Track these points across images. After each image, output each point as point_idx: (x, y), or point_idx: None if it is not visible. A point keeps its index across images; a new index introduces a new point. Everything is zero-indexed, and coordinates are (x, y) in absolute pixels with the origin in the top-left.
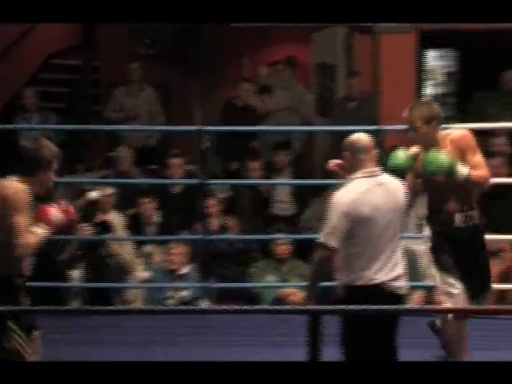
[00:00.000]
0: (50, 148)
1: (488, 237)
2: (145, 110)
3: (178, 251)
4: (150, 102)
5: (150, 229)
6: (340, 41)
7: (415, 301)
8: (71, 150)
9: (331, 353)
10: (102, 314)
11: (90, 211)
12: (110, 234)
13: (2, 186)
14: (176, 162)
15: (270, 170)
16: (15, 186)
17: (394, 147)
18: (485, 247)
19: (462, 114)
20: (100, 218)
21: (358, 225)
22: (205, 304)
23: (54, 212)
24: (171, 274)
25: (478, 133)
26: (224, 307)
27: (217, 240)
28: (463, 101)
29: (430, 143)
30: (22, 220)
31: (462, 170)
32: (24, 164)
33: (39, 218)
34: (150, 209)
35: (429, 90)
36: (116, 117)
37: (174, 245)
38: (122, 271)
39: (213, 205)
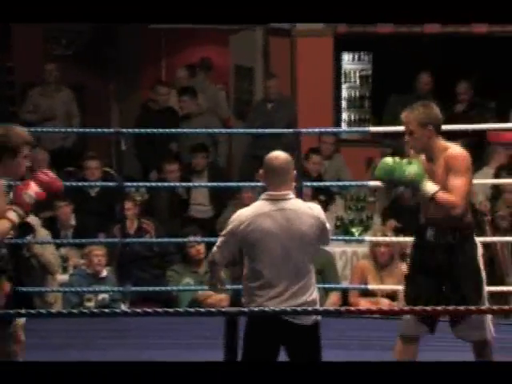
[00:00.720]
0: (18, 134)
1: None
2: (61, 111)
3: (99, 254)
4: (67, 103)
5: (66, 232)
6: (257, 43)
7: (331, 302)
8: None
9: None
10: (19, 317)
11: None
12: (32, 236)
13: None
14: (93, 164)
15: (189, 173)
16: None
17: (311, 150)
18: (464, 271)
19: (377, 117)
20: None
21: (249, 248)
22: (123, 307)
23: (28, 190)
24: (91, 277)
25: (391, 135)
26: (143, 310)
27: (134, 243)
28: (378, 103)
29: (424, 149)
30: None
31: (429, 187)
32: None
33: (15, 201)
34: (66, 211)
35: (345, 92)
36: (31, 118)
37: (94, 247)
38: (44, 272)
39: (130, 207)
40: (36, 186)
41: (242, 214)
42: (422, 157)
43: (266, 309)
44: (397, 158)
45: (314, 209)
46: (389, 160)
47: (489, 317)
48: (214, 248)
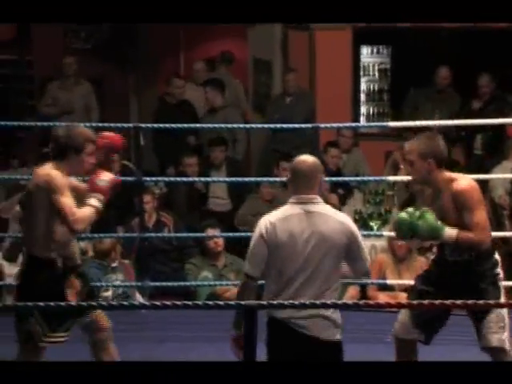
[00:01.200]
0: (81, 133)
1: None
2: (80, 104)
3: (110, 245)
4: (86, 96)
5: None
6: (276, 37)
7: (350, 296)
8: (5, 146)
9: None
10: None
11: None
12: None
13: (36, 175)
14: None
15: (207, 166)
16: (47, 172)
17: (329, 144)
18: (480, 293)
19: (396, 111)
20: None
21: (274, 251)
22: (141, 300)
23: (100, 177)
24: (104, 268)
25: (411, 129)
26: (161, 303)
27: (152, 237)
28: (397, 97)
29: (424, 182)
30: (65, 200)
31: (448, 233)
32: (56, 150)
33: (91, 189)
34: None
35: (363, 86)
36: (50, 112)
37: (106, 239)
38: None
39: (149, 201)
40: (107, 173)
41: (269, 218)
42: (429, 190)
43: (285, 303)
44: (411, 211)
45: (342, 216)
46: (403, 217)
47: (507, 326)
48: (245, 263)
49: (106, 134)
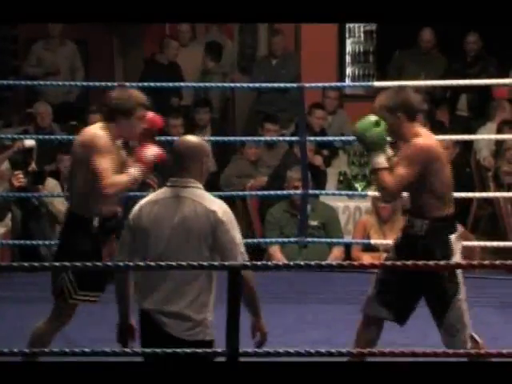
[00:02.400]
0: (132, 96)
1: None
2: (65, 65)
3: None
4: (71, 57)
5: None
6: None
7: (334, 256)
8: None
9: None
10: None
11: (22, 160)
12: (42, 186)
13: (82, 133)
14: (96, 118)
15: (192, 127)
16: (93, 131)
17: (314, 105)
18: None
19: (381, 73)
20: (33, 167)
21: (139, 236)
22: None
23: (147, 150)
24: None
25: None
26: (145, 263)
27: (138, 197)
28: (383, 59)
29: (396, 136)
30: (102, 161)
31: (379, 159)
32: (106, 112)
33: (135, 159)
34: (69, 165)
35: (349, 47)
36: (35, 72)
37: None
38: (53, 221)
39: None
40: (154, 147)
41: (141, 201)
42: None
43: (280, 263)
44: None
45: (215, 205)
46: (371, 118)
47: (467, 330)
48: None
49: (147, 114)
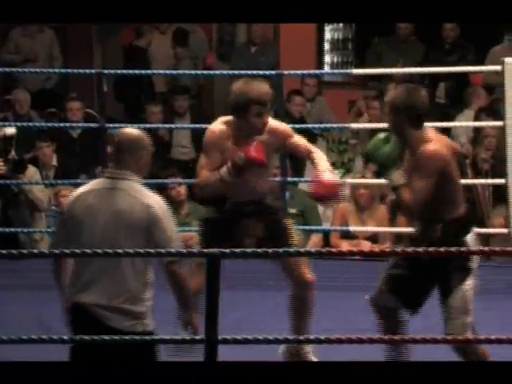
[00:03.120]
0: (248, 92)
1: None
2: (43, 52)
3: (66, 194)
4: (49, 44)
5: (47, 172)
6: None
7: (313, 244)
8: None
9: (231, 295)
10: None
11: (2, 148)
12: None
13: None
14: (75, 105)
15: (171, 115)
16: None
17: (293, 92)
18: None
19: (360, 60)
20: (13, 155)
21: (72, 227)
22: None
23: (243, 151)
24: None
25: (375, 77)
26: (123, 250)
27: None
28: (361, 46)
29: (400, 137)
30: (202, 159)
31: (396, 175)
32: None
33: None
34: (48, 152)
35: (328, 34)
36: (13, 59)
37: (62, 187)
38: (32, 208)
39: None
40: (257, 148)
41: (75, 191)
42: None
43: (259, 250)
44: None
45: (151, 199)
46: (381, 135)
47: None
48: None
49: (322, 180)
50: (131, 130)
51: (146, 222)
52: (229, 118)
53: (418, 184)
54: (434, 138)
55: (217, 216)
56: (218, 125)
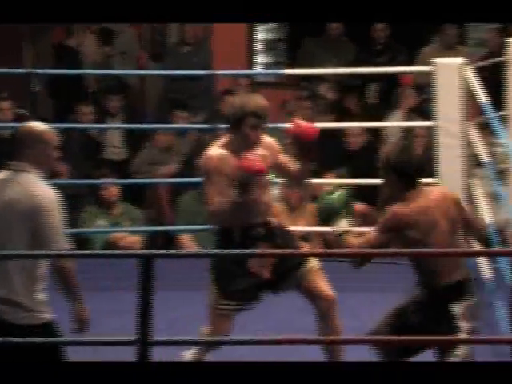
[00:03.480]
0: (244, 105)
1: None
2: None
3: None
4: None
5: None
6: None
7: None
8: None
9: (164, 296)
10: None
11: None
12: None
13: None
14: (5, 105)
15: (103, 115)
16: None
17: (225, 92)
18: None
19: (291, 60)
20: None
21: None
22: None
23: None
24: None
25: (306, 78)
26: (58, 251)
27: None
28: (293, 46)
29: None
30: (208, 189)
31: (341, 224)
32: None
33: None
34: None
35: (260, 35)
36: None
37: None
38: None
39: None
40: (255, 159)
41: None
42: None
43: (192, 251)
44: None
45: (42, 191)
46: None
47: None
48: None
49: (300, 122)
50: (33, 124)
51: (30, 211)
52: (222, 141)
53: (370, 235)
54: (416, 198)
55: (228, 248)
56: (214, 149)
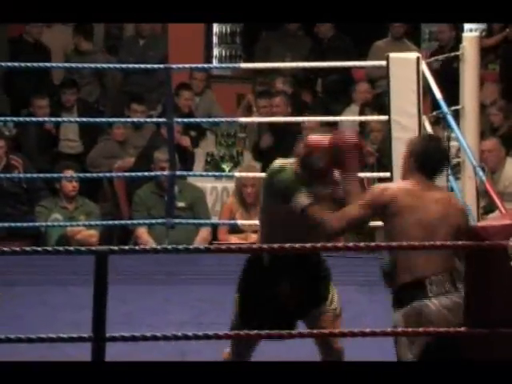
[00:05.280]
0: None
1: None
2: None
3: None
4: None
5: None
6: None
7: (202, 238)
8: None
9: (117, 290)
10: None
11: None
12: None
13: None
14: None
15: (58, 108)
16: None
17: (181, 86)
18: None
19: (248, 54)
20: None
21: None
22: None
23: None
24: None
25: (263, 72)
26: (10, 248)
27: (2, 178)
28: (250, 40)
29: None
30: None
31: (301, 198)
32: None
33: None
34: None
35: (216, 28)
36: None
37: None
38: None
39: (1, 146)
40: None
41: None
42: None
43: (147, 247)
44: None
45: None
46: (274, 167)
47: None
48: None
49: (340, 133)
50: None
51: None
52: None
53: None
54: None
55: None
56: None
